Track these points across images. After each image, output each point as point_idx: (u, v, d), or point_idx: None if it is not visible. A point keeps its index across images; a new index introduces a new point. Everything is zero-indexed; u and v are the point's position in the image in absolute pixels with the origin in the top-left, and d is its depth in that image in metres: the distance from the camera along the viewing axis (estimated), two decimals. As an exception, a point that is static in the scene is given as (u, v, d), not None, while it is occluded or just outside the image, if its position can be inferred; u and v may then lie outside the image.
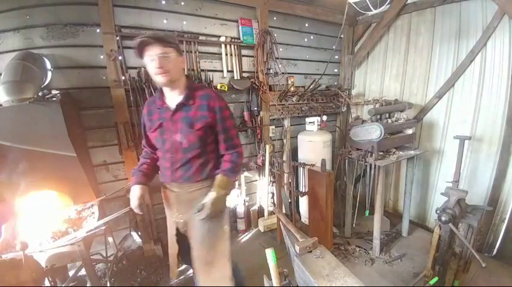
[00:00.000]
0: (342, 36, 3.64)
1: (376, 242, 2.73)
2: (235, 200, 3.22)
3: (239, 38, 2.93)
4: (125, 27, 2.35)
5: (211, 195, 1.46)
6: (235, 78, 2.93)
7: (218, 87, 2.77)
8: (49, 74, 2.08)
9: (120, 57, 2.32)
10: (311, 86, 3.31)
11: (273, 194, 3.31)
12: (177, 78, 1.48)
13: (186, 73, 1.66)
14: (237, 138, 1.61)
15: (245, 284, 2.03)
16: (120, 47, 2.33)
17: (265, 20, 3.03)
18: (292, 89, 3.29)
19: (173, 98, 1.52)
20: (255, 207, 3.41)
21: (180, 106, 1.51)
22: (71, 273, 1.97)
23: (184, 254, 1.73)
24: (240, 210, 3.21)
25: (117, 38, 2.30)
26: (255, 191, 3.44)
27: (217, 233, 1.60)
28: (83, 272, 1.84)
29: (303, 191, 2.93)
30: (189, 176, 1.56)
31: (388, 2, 3.00)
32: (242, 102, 3.12)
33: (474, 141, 2.76)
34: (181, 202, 1.63)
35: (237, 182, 3.16)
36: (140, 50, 1.38)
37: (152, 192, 2.07)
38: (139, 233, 2.64)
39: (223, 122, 1.52)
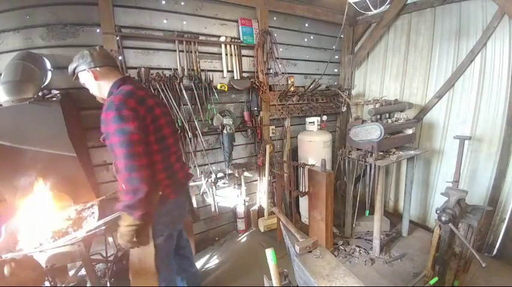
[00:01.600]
0: (342, 36, 3.64)
1: (376, 242, 2.73)
2: (235, 200, 3.22)
3: (239, 38, 2.93)
4: (125, 27, 2.35)
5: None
6: (235, 78, 2.93)
7: (218, 87, 2.77)
8: (49, 74, 2.08)
9: (120, 57, 2.32)
10: (311, 86, 3.31)
11: (273, 194, 3.31)
12: (100, 93, 1.53)
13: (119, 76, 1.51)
14: (121, 161, 1.27)
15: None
16: (120, 47, 2.32)
17: (265, 20, 3.03)
18: (292, 89, 3.29)
19: None
20: (255, 207, 3.41)
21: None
22: (71, 273, 1.97)
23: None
24: (240, 210, 3.21)
25: (117, 38, 2.30)
26: (255, 191, 3.44)
27: (142, 251, 1.52)
28: (83, 272, 1.84)
29: (303, 191, 2.93)
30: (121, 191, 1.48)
31: (388, 2, 2.99)
32: (242, 102, 3.12)
33: (474, 141, 2.76)
34: None
35: (237, 182, 3.16)
36: None
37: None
38: (139, 233, 2.63)
39: (107, 139, 1.34)
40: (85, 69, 1.46)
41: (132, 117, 1.30)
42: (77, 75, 1.52)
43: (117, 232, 1.39)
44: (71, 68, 1.51)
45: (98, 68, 1.47)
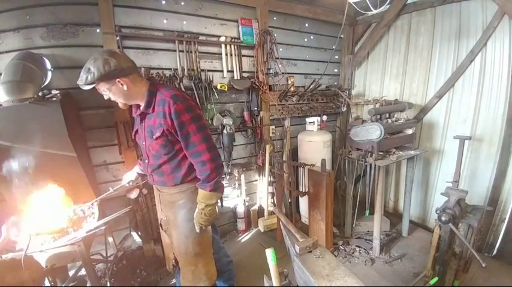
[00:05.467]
0: (342, 36, 3.64)
1: (376, 242, 2.73)
2: (235, 200, 3.22)
3: (239, 38, 2.93)
4: (125, 27, 2.35)
5: (196, 211, 1.53)
6: (235, 78, 2.93)
7: (218, 87, 2.77)
8: (49, 74, 2.07)
9: (120, 57, 2.32)
10: (311, 86, 3.31)
11: (273, 194, 3.31)
12: (128, 100, 1.46)
13: (146, 77, 1.60)
14: (202, 144, 1.42)
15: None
16: (120, 47, 2.32)
17: (265, 20, 3.03)
18: (292, 89, 3.29)
19: (141, 107, 1.50)
20: (255, 207, 3.41)
21: (143, 115, 1.51)
22: (71, 273, 1.96)
23: None
24: (240, 210, 3.21)
25: (117, 38, 2.30)
26: (255, 191, 3.44)
27: (198, 233, 1.61)
28: (83, 272, 1.84)
29: (303, 191, 2.93)
30: (163, 181, 1.59)
31: (388, 2, 2.99)
32: (242, 102, 3.12)
33: (474, 141, 2.76)
34: (163, 201, 1.69)
35: (237, 182, 3.16)
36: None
37: (152, 191, 2.08)
38: (139, 233, 2.64)
39: (181, 128, 1.40)
40: (114, 80, 1.34)
41: (196, 106, 1.49)
42: (97, 84, 1.35)
43: (199, 216, 1.51)
44: (91, 77, 1.30)
45: (128, 77, 1.37)
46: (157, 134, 1.43)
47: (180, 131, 1.40)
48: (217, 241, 1.96)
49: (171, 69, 2.57)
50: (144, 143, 1.57)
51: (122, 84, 1.36)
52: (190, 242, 1.62)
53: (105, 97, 1.44)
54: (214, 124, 2.81)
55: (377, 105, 3.03)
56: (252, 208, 3.39)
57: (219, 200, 1.61)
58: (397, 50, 3.39)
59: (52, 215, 1.74)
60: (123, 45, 2.35)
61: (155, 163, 1.55)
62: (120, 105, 1.50)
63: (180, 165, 1.53)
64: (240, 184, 3.18)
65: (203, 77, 2.69)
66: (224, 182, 3.06)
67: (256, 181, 3.39)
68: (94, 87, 1.37)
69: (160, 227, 1.81)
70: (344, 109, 3.72)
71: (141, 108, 1.48)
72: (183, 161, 1.53)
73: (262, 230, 3.27)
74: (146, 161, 1.62)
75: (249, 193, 3.34)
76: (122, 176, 2.51)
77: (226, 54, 2.85)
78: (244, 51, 3.00)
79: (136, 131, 1.64)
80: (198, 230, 1.55)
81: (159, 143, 1.46)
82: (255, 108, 3.10)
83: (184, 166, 1.53)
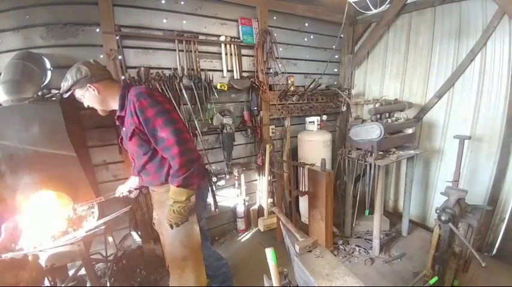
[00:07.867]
0: (342, 35, 3.64)
1: (376, 242, 2.73)
2: (235, 199, 3.22)
3: (239, 38, 2.93)
4: (125, 26, 2.35)
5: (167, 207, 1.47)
6: (235, 77, 2.93)
7: (218, 86, 2.77)
8: (49, 73, 2.08)
9: (119, 57, 2.32)
10: (311, 86, 3.31)
11: (272, 193, 3.31)
12: (103, 105, 1.52)
13: (116, 78, 1.72)
14: (170, 138, 1.36)
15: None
16: (120, 47, 2.32)
17: (265, 20, 3.03)
18: (292, 88, 3.28)
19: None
20: (255, 206, 3.41)
21: (120, 119, 1.54)
22: (70, 273, 1.97)
23: None
24: (240, 209, 3.21)
25: (117, 38, 2.30)
26: (255, 191, 3.44)
27: (186, 233, 1.60)
28: (82, 271, 1.84)
29: (303, 190, 2.93)
30: (150, 181, 1.61)
31: (388, 1, 2.99)
32: (242, 101, 3.12)
33: (474, 141, 2.76)
34: (154, 200, 1.72)
35: (237, 182, 3.16)
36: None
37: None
38: (139, 232, 2.64)
39: (147, 124, 1.38)
40: (86, 86, 1.43)
41: (165, 101, 1.44)
42: (73, 91, 1.47)
43: (168, 213, 1.45)
44: (66, 85, 1.44)
45: (99, 82, 1.46)
46: (129, 134, 1.46)
47: (146, 128, 1.38)
48: (207, 246, 1.93)
49: (170, 68, 2.57)
50: (126, 146, 1.62)
51: (93, 89, 1.44)
52: (178, 244, 1.61)
53: (85, 104, 1.51)
54: (214, 124, 2.81)
55: (377, 105, 3.03)
56: (252, 208, 3.39)
57: (209, 198, 1.62)
58: (397, 50, 3.39)
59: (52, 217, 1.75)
60: (123, 44, 2.35)
61: (139, 163, 1.58)
62: (99, 111, 1.55)
63: (162, 164, 1.52)
64: (240, 184, 3.18)
65: (203, 77, 2.69)
66: (223, 182, 3.07)
67: (256, 180, 3.39)
68: (72, 94, 1.47)
69: (153, 225, 1.83)
70: (344, 109, 3.72)
71: (117, 112, 1.51)
72: (165, 159, 1.50)
73: (262, 230, 3.27)
74: (133, 164, 1.65)
75: (249, 192, 3.34)
76: (121, 176, 2.54)
77: (226, 54, 2.85)
78: (244, 51, 3.00)
79: (122, 137, 1.67)
80: (169, 227, 1.49)
81: (135, 144, 1.48)
82: (255, 108, 3.10)
83: (166, 165, 1.51)
